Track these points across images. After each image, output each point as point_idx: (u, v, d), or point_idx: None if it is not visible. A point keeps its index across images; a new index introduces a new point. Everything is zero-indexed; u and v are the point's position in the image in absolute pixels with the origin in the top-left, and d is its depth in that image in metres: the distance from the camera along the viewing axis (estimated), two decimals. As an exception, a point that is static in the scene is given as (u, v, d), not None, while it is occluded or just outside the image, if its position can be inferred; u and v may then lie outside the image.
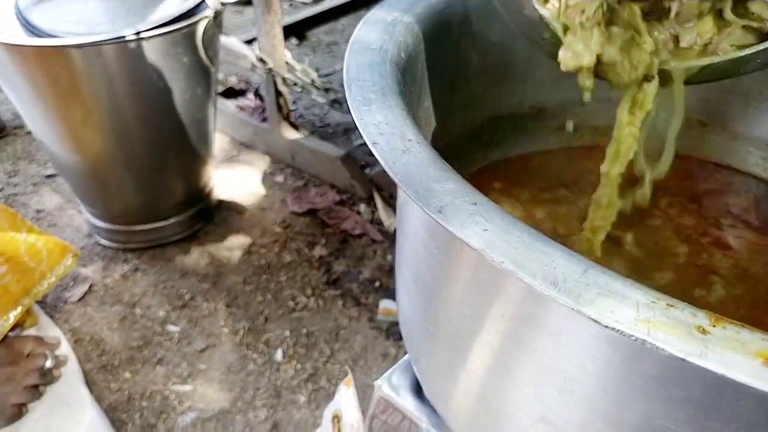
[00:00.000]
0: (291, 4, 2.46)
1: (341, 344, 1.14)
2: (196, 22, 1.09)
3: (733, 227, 0.61)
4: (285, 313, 1.20)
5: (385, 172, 0.33)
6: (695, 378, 0.27)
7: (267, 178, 1.55)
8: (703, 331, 0.24)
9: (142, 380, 1.08)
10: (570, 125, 0.68)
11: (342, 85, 0.42)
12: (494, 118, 0.65)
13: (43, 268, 1.06)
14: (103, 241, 1.35)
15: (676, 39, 0.46)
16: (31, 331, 1.09)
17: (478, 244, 0.28)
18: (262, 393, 1.06)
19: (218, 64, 1.25)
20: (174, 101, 1.16)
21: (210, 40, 1.15)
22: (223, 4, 1.15)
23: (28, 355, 1.02)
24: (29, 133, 1.68)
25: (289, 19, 1.99)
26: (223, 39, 1.40)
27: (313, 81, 1.46)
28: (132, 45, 1.03)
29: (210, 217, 1.41)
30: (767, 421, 0.26)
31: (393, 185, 1.39)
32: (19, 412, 0.96)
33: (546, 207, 0.62)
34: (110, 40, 1.01)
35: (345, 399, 0.66)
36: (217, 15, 1.14)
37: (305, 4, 2.36)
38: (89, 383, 1.06)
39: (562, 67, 0.47)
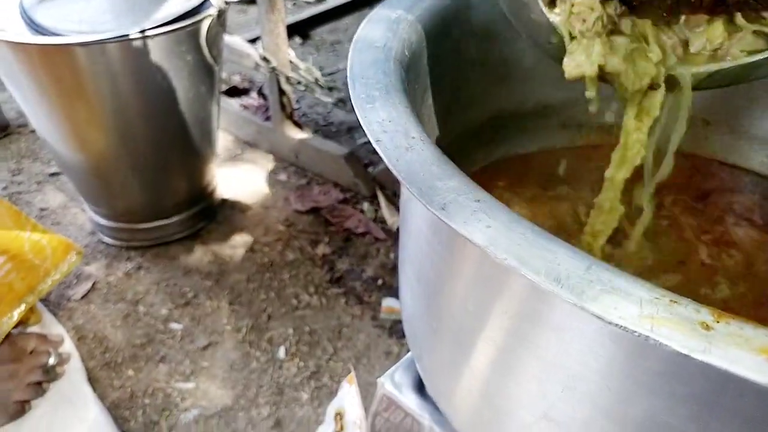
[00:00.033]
0: (294, 4, 2.46)
1: (344, 342, 1.14)
2: (200, 21, 1.09)
3: (738, 226, 0.61)
4: (288, 311, 1.20)
5: (388, 170, 0.33)
6: (698, 374, 0.27)
7: (270, 177, 1.56)
8: (707, 327, 0.24)
9: (145, 378, 1.08)
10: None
11: (345, 84, 0.42)
12: (496, 117, 0.65)
13: (47, 266, 1.07)
14: (107, 239, 1.35)
15: (685, 43, 0.46)
16: (34, 329, 1.09)
17: (482, 241, 0.28)
18: (265, 390, 1.06)
19: (222, 62, 1.25)
20: (178, 100, 1.16)
21: (214, 38, 1.15)
22: (226, 2, 1.15)
23: (31, 353, 1.02)
24: (33, 131, 1.68)
25: (293, 18, 1.99)
26: (227, 38, 1.40)
27: (316, 80, 1.46)
28: (136, 43, 1.04)
29: (213, 215, 1.42)
30: (770, 418, 0.26)
31: (396, 183, 1.39)
32: (22, 409, 0.96)
33: (548, 206, 0.62)
34: (114, 38, 1.01)
35: (348, 396, 0.66)
36: (221, 13, 1.14)
37: (309, 3, 2.37)
38: (92, 380, 1.06)
39: (566, 75, 0.46)
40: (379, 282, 1.25)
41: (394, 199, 1.42)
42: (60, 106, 1.10)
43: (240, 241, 1.36)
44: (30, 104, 1.14)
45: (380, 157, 0.34)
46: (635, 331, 0.24)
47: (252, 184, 1.53)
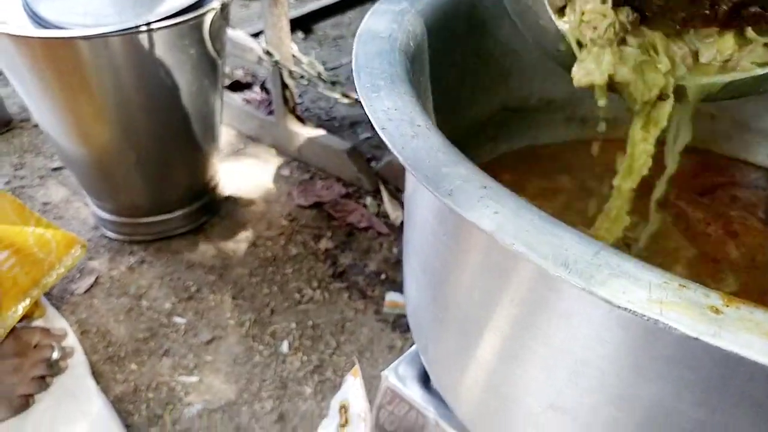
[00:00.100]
0: (297, -2, 2.46)
1: (347, 336, 1.14)
2: (204, 14, 1.09)
3: (744, 219, 0.61)
4: (291, 305, 1.20)
5: (391, 165, 0.33)
6: (707, 359, 0.27)
7: (273, 171, 1.56)
8: (717, 311, 0.24)
9: (149, 372, 1.08)
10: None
11: (348, 79, 0.42)
12: (501, 111, 0.65)
13: (51, 259, 1.07)
14: (110, 234, 1.35)
15: (695, 54, 0.45)
16: (38, 323, 1.09)
17: (489, 227, 0.28)
18: (268, 384, 1.06)
19: (225, 56, 1.25)
20: (180, 94, 1.16)
21: (217, 32, 1.15)
22: (229, -4, 1.15)
23: (35, 346, 1.02)
24: (36, 126, 1.69)
25: (296, 13, 1.99)
26: (230, 32, 1.40)
27: (319, 74, 1.46)
28: (139, 37, 1.03)
29: (216, 209, 1.42)
30: (779, 402, 0.26)
31: (399, 178, 1.39)
32: (26, 402, 0.97)
33: (553, 200, 0.62)
34: (117, 31, 1.01)
35: (352, 389, 0.66)
36: (224, 7, 1.14)
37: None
38: (96, 374, 1.06)
39: (575, 83, 0.46)
40: (382, 276, 1.25)
41: (396, 193, 1.42)
42: (63, 99, 1.10)
43: (243, 236, 1.36)
44: (33, 98, 1.14)
45: (383, 152, 0.34)
46: (644, 315, 0.24)
47: (255, 178, 1.53)
